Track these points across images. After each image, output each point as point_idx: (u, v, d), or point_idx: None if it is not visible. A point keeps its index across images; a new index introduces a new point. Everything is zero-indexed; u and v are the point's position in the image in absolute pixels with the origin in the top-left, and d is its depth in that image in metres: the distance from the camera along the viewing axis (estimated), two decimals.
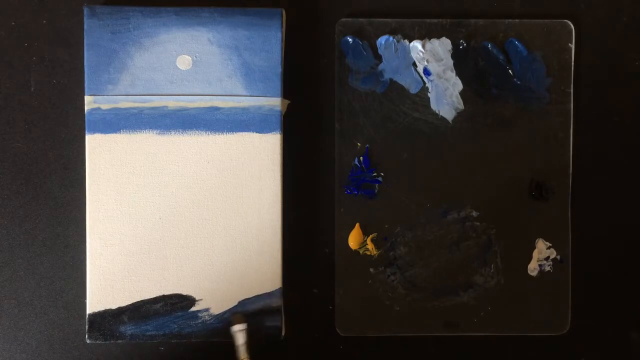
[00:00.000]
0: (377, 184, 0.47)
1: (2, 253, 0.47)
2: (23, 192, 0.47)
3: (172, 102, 0.45)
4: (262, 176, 0.45)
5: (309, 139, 0.48)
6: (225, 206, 0.45)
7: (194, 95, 0.45)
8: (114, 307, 0.45)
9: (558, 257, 0.47)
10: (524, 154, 0.47)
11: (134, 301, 0.45)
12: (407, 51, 0.47)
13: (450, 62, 0.47)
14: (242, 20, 0.45)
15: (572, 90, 0.47)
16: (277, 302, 0.45)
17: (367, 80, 0.47)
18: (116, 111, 0.44)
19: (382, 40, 0.47)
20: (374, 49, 0.47)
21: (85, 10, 0.44)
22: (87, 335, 0.45)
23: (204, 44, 0.45)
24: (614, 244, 0.48)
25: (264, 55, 0.45)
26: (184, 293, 0.45)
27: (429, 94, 0.47)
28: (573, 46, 0.47)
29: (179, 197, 0.45)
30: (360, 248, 0.47)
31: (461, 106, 0.47)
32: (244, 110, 0.45)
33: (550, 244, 0.47)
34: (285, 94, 0.46)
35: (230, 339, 0.44)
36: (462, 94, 0.47)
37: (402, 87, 0.47)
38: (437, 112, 0.47)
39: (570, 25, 0.47)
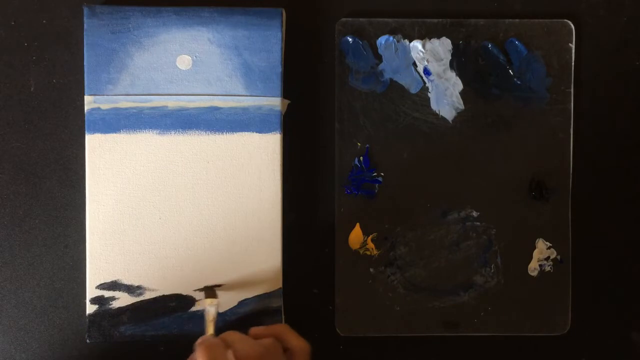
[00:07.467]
0: (377, 184, 0.47)
1: (2, 253, 0.47)
2: (23, 192, 0.47)
3: (172, 102, 0.45)
4: (262, 176, 0.45)
5: (309, 139, 0.47)
6: (225, 206, 0.45)
7: (194, 95, 0.45)
8: (114, 307, 0.45)
9: (558, 257, 0.47)
10: (524, 154, 0.47)
11: (134, 301, 0.45)
12: (407, 51, 0.47)
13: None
14: (242, 20, 0.45)
15: (572, 90, 0.47)
16: (277, 302, 0.45)
17: (367, 80, 0.47)
18: (116, 111, 0.44)
19: (382, 40, 0.47)
20: (374, 49, 0.47)
21: (85, 10, 0.44)
22: (87, 335, 0.45)
23: (204, 43, 0.45)
24: (614, 244, 0.48)
25: (264, 55, 0.45)
26: (184, 293, 0.45)
27: (429, 94, 0.47)
28: (573, 46, 0.47)
29: (179, 197, 0.45)
30: (360, 248, 0.47)
31: (461, 106, 0.47)
32: (244, 110, 0.45)
33: (550, 244, 0.47)
34: (285, 94, 0.46)
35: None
36: (462, 94, 0.47)
37: (402, 87, 0.47)
38: (437, 112, 0.47)
39: (570, 25, 0.47)
